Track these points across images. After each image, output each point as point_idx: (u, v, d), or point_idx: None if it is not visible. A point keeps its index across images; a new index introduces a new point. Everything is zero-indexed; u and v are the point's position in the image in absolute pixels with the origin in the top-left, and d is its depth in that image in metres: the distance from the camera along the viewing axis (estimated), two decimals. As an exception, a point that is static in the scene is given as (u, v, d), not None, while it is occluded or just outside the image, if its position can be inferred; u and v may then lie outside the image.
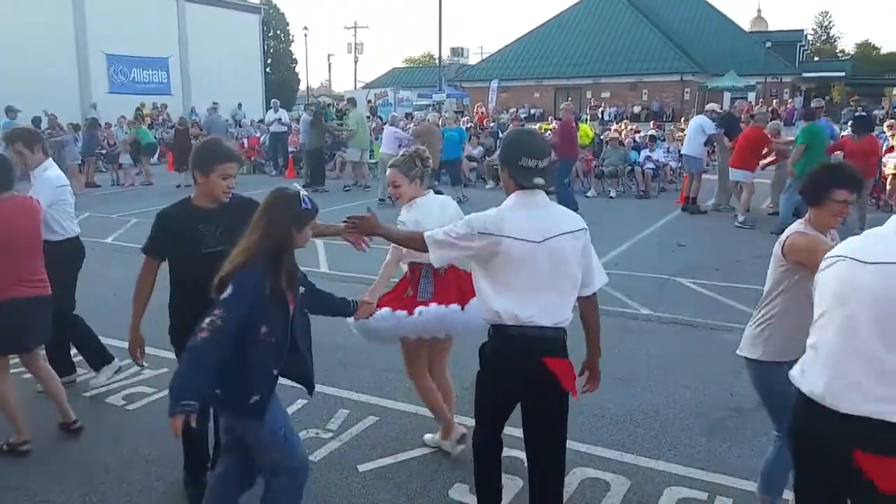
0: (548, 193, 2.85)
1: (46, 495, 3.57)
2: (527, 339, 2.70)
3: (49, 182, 4.54)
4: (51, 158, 4.76)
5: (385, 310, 3.61)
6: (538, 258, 2.68)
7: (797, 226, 3.08)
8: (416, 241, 2.94)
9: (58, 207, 4.58)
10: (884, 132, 15.39)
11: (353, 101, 17.61)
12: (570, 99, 39.87)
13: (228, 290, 2.56)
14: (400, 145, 12.79)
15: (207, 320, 2.52)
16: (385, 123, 18.50)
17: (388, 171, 3.81)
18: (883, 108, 33.17)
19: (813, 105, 12.30)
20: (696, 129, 12.38)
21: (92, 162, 16.83)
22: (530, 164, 2.71)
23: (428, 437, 4.07)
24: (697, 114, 17.82)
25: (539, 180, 2.72)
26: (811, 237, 2.98)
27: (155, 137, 20.72)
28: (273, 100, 20.79)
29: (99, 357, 4.91)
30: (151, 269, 3.27)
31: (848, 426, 2.09)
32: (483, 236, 2.69)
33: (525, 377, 2.74)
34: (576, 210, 4.27)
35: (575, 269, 2.78)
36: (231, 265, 2.62)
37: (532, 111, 40.27)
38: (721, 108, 17.56)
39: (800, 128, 11.54)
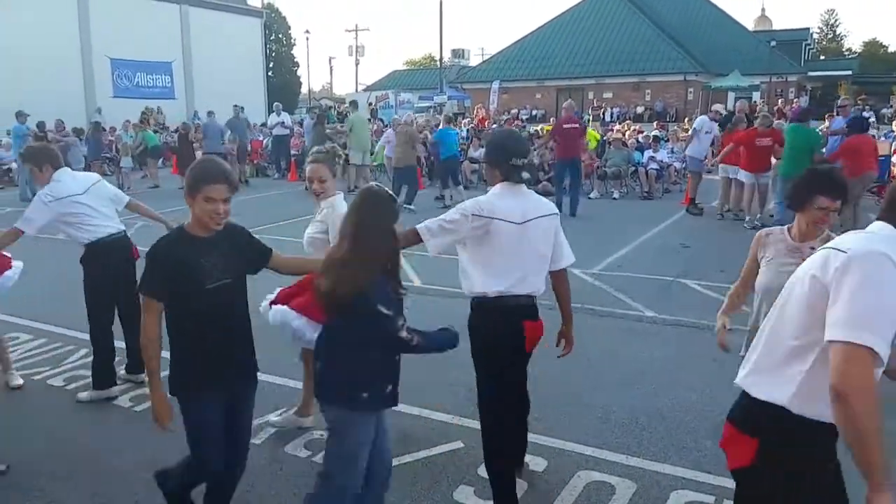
0: (528, 185, 3.24)
1: (55, 495, 3.59)
2: (509, 308, 3.12)
3: (36, 203, 4.58)
4: (64, 168, 4.75)
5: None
6: (519, 237, 3.11)
7: (779, 226, 3.44)
8: (410, 237, 3.14)
9: (63, 220, 4.62)
10: (892, 131, 15.37)
11: (354, 104, 17.69)
12: (570, 98, 40.06)
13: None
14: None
15: (408, 336, 2.67)
16: (387, 126, 18.54)
17: (312, 166, 3.89)
18: (892, 106, 32.96)
19: (840, 103, 12.34)
20: (693, 130, 12.71)
21: (97, 166, 16.90)
22: (518, 163, 3.16)
23: (276, 419, 4.26)
24: (702, 114, 17.85)
25: (525, 175, 3.18)
26: (758, 237, 3.51)
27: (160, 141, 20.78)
28: (275, 103, 20.84)
29: (102, 378, 4.78)
30: (154, 313, 2.85)
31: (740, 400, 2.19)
32: (476, 218, 3.08)
33: (511, 339, 3.15)
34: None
35: (547, 247, 3.26)
36: (353, 283, 2.61)
37: (534, 112, 40.24)
38: (726, 109, 17.57)
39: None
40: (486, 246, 3.10)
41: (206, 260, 2.83)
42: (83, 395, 4.76)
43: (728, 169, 11.34)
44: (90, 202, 4.68)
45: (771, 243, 3.42)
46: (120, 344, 4.90)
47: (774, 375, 2.02)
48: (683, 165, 15.53)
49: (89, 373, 4.88)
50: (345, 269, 2.63)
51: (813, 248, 2.88)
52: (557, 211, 3.34)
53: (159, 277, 2.81)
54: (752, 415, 2.07)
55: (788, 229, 3.40)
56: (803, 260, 2.14)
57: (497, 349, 3.17)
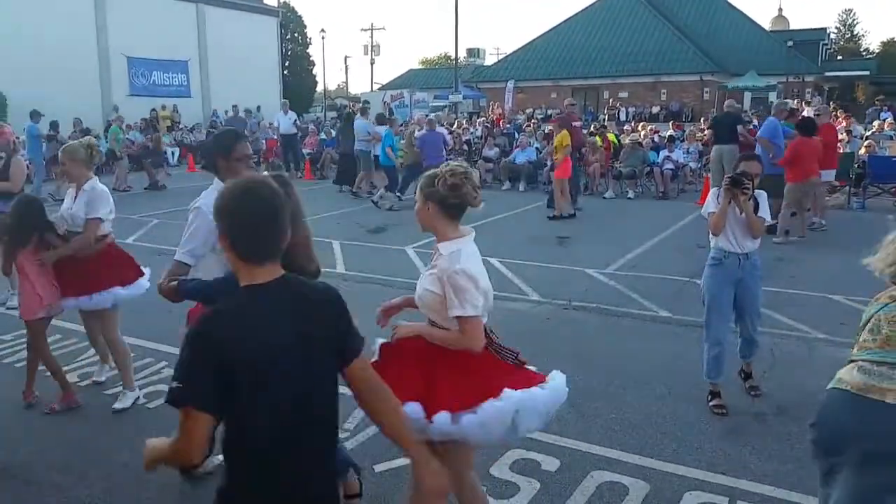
0: None
1: (69, 491, 3.63)
2: None
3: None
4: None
5: None
6: None
7: None
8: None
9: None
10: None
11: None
12: (585, 97, 40.03)
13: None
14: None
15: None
16: (403, 125, 18.56)
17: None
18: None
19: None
20: None
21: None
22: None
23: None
24: (718, 113, 17.68)
25: None
26: None
27: (175, 140, 20.97)
28: (283, 100, 20.70)
29: None
30: None
31: None
32: None
33: None
34: None
35: None
36: None
37: (549, 112, 40.07)
38: (745, 108, 17.20)
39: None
40: None
41: None
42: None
43: None
44: None
45: None
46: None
47: None
48: (699, 166, 15.43)
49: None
50: None
51: None
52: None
53: None
54: None
55: None
56: None
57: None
